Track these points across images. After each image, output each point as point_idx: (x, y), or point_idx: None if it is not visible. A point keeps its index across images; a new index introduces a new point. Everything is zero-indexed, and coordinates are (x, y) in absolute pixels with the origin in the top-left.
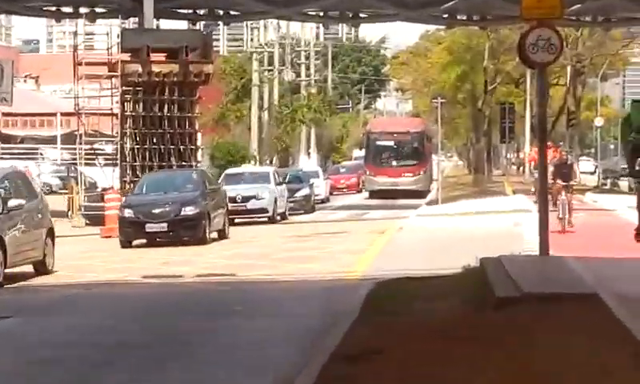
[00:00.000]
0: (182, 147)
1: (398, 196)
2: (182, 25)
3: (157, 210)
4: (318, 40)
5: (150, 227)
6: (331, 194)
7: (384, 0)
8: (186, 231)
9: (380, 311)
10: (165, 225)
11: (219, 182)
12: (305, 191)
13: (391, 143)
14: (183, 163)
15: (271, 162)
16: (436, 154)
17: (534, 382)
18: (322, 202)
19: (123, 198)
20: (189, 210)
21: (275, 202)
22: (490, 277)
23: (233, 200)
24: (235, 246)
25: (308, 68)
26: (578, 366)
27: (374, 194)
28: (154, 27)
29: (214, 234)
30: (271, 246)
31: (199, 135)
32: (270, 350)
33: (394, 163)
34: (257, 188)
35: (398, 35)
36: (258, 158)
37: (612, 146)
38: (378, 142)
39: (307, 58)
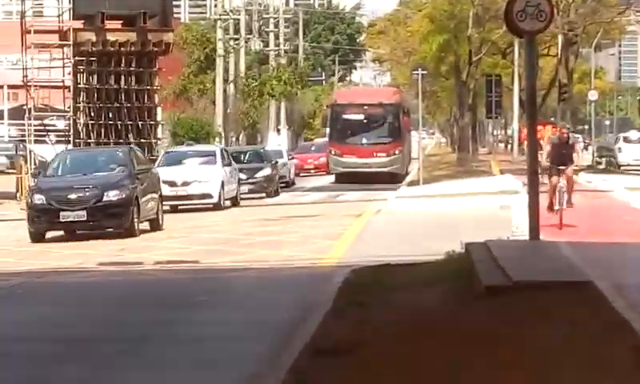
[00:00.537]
0: (140, 123)
1: (369, 179)
2: None
3: (73, 196)
4: (287, 6)
5: (65, 216)
6: (297, 175)
7: None
8: (110, 220)
9: (355, 302)
10: (83, 213)
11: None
12: (266, 171)
13: (361, 117)
14: (141, 141)
15: (237, 138)
16: (417, 131)
17: (527, 380)
18: (287, 184)
19: (32, 181)
20: (112, 195)
21: (222, 185)
22: (476, 264)
23: (172, 184)
24: (175, 236)
25: (277, 37)
26: (575, 360)
27: (340, 178)
28: None
29: (145, 224)
30: (234, 231)
31: (159, 110)
32: (236, 344)
33: (365, 141)
34: (200, 170)
35: (374, 1)
36: (223, 135)
37: (607, 122)
38: (345, 116)
39: (276, 25)
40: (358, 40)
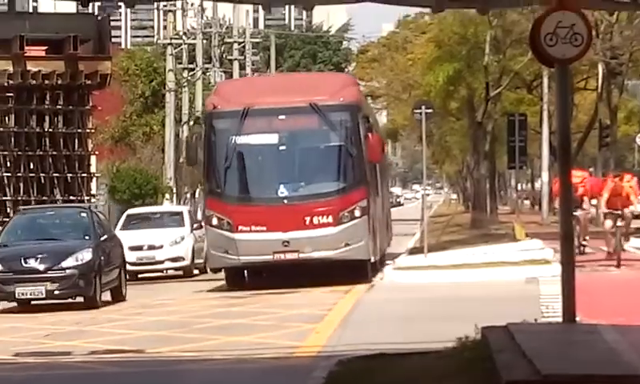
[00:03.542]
0: (69, 175)
1: (296, 276)
2: (70, 8)
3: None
4: (256, 28)
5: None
6: None
7: None
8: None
9: None
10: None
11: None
12: None
13: (272, 139)
14: (71, 197)
15: (193, 195)
16: (420, 185)
17: None
18: None
19: None
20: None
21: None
22: (494, 353)
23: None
24: (139, 310)
25: (243, 67)
26: None
27: (229, 278)
28: (30, 11)
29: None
30: (191, 311)
31: (93, 159)
32: None
33: (284, 192)
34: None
35: (366, 22)
36: (174, 191)
37: None
38: (238, 138)
39: (242, 52)
40: (346, 70)
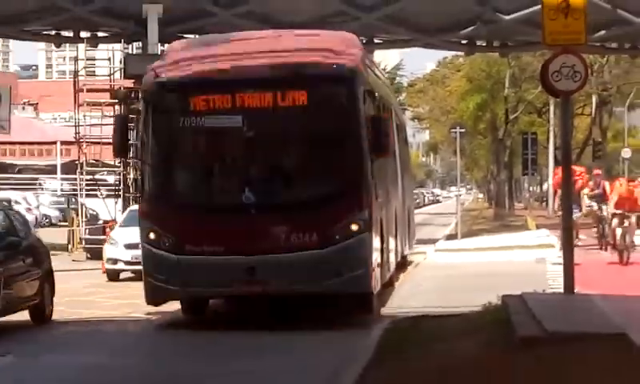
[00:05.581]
0: None
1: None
2: None
3: None
4: None
5: None
6: None
7: (400, 25)
8: None
9: (395, 352)
10: None
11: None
12: None
13: (234, 122)
14: None
15: None
16: (456, 186)
17: None
18: None
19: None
20: None
21: None
22: (512, 315)
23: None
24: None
25: None
26: None
27: (184, 306)
28: (159, 53)
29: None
30: None
31: None
32: None
33: (248, 196)
34: None
35: (414, 62)
36: None
37: None
38: (188, 122)
39: None
40: (398, 98)
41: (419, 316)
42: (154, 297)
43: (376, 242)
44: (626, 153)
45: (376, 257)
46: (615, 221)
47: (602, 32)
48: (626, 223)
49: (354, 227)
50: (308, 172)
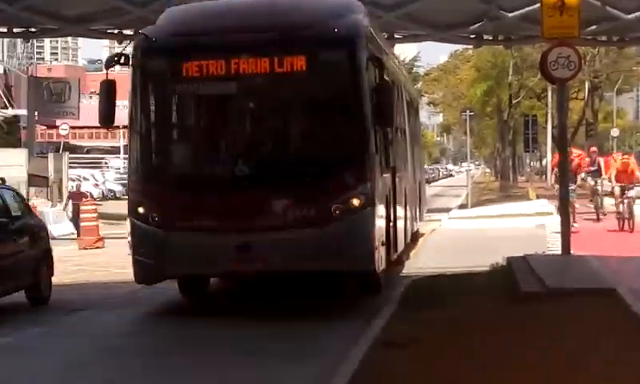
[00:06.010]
0: None
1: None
2: None
3: None
4: None
5: None
6: None
7: (417, 22)
8: None
9: (416, 305)
10: None
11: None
12: None
13: (227, 88)
14: None
15: None
16: (466, 162)
17: (554, 369)
18: None
19: None
20: None
21: None
22: (516, 274)
23: None
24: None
25: None
26: (596, 356)
27: (182, 285)
28: None
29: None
30: None
31: None
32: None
33: (241, 169)
34: None
35: (429, 54)
36: None
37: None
38: (177, 88)
39: None
40: (415, 86)
41: (435, 275)
42: (144, 276)
43: (381, 217)
44: (615, 132)
45: (381, 233)
46: (617, 189)
47: (594, 26)
48: (627, 194)
49: (356, 202)
50: (304, 143)
